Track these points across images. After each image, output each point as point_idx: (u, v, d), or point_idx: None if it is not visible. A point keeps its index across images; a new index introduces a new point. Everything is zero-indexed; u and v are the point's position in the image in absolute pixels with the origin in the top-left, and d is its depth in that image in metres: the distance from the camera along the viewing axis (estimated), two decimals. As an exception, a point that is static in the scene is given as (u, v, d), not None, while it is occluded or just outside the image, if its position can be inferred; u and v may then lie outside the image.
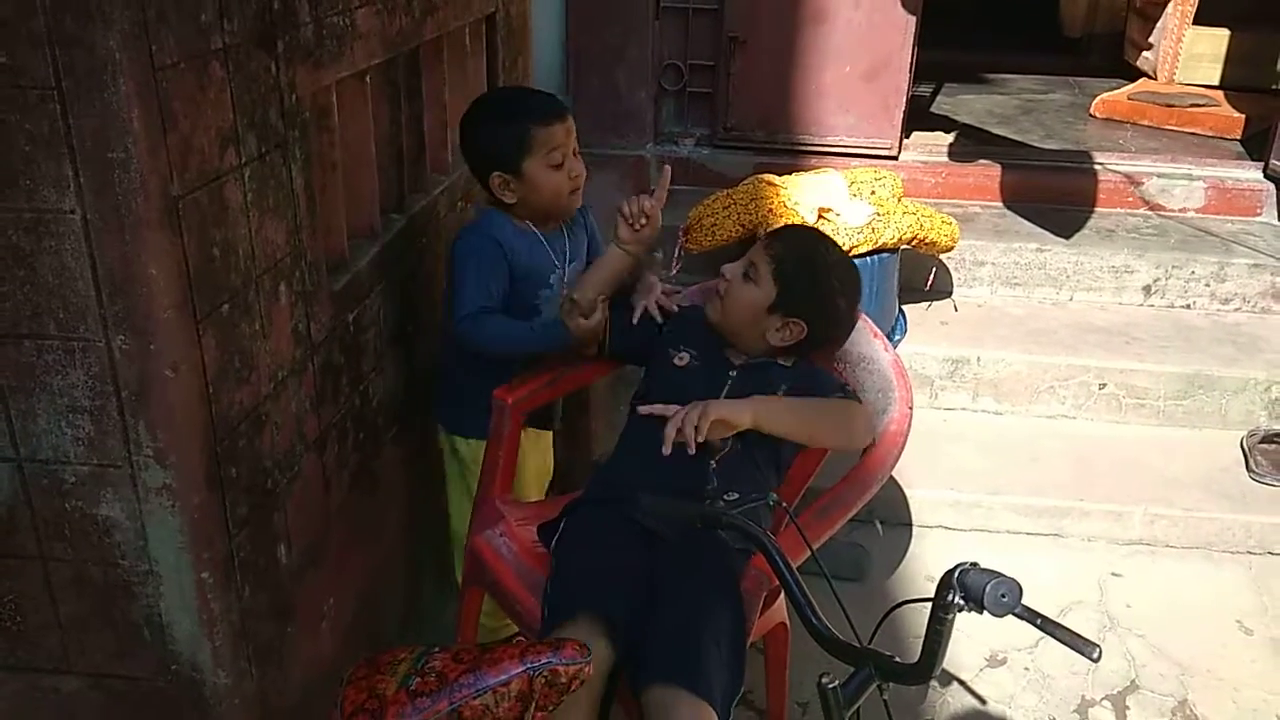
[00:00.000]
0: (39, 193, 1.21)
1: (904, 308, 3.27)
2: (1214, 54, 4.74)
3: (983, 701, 2.27)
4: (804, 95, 3.68)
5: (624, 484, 1.73)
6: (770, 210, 2.91)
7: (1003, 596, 1.13)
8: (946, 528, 2.84)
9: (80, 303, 1.26)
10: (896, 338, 3.17)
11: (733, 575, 1.58)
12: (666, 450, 1.52)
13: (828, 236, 2.08)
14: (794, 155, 3.71)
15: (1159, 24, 4.90)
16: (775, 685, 1.92)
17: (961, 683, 2.30)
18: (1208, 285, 3.43)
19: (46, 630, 1.48)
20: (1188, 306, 3.46)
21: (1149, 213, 3.77)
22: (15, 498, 1.40)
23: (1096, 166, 3.83)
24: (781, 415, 1.66)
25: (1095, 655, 1.16)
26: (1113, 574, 2.69)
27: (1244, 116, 4.28)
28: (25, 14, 1.12)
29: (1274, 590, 2.64)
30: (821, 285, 1.81)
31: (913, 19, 3.54)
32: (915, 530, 2.83)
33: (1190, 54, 4.76)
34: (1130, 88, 4.76)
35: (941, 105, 4.77)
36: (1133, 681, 2.34)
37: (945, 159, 3.88)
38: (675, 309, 1.96)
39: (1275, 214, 3.73)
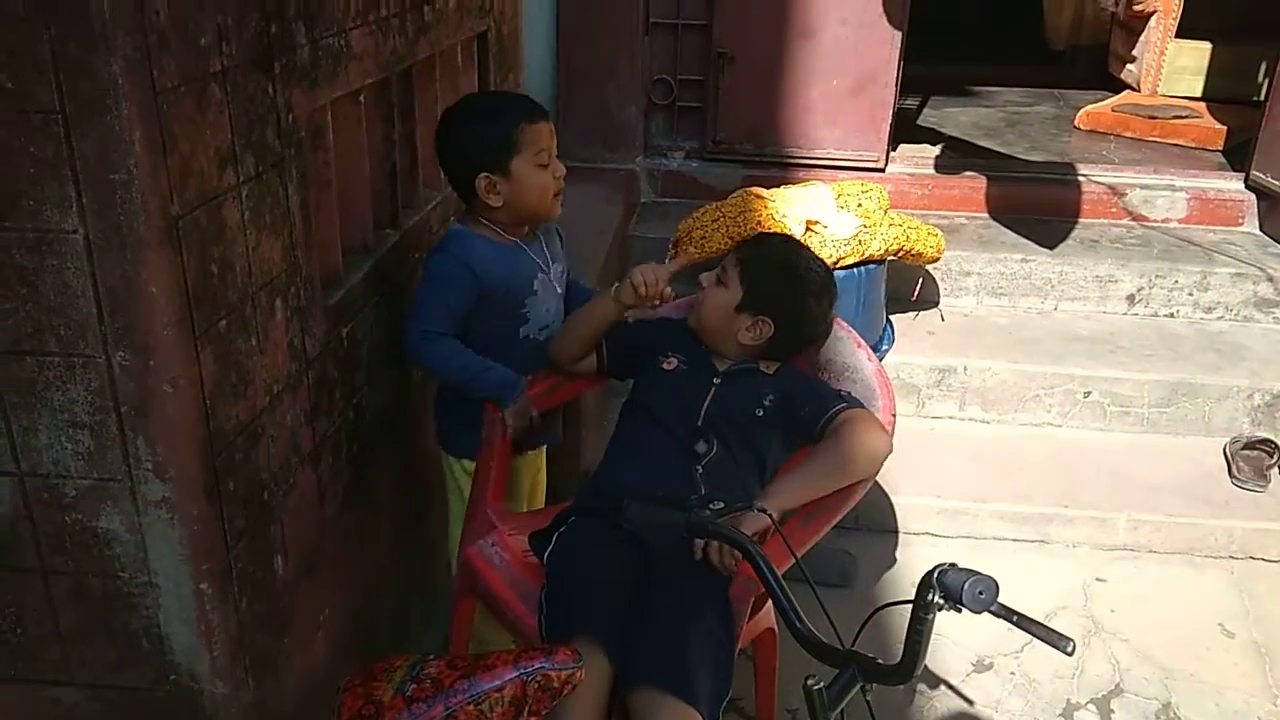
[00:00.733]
0: (42, 213, 1.23)
1: (891, 318, 3.31)
2: (1196, 67, 4.80)
3: (969, 704, 2.30)
4: (792, 109, 3.73)
5: (612, 492, 1.76)
6: (759, 222, 2.95)
7: (980, 594, 1.16)
8: (933, 534, 2.87)
9: (81, 320, 1.29)
10: (884, 347, 3.21)
11: (720, 581, 1.62)
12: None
13: (798, 241, 2.12)
14: (782, 168, 3.76)
15: (1142, 37, 4.96)
16: (764, 691, 1.94)
17: (948, 686, 2.34)
18: (1191, 294, 3.49)
19: (46, 641, 1.50)
20: (1171, 315, 3.51)
21: (1132, 223, 3.82)
22: (16, 511, 1.42)
23: (1080, 178, 3.89)
24: (796, 496, 1.68)
25: (1069, 649, 1.20)
26: (1097, 579, 2.73)
27: (1226, 128, 4.34)
28: (30, 40, 1.15)
29: (1256, 594, 2.69)
30: (786, 284, 1.86)
31: (899, 34, 3.59)
32: (902, 537, 2.86)
33: (1173, 67, 4.83)
34: (1114, 100, 4.82)
35: (928, 118, 4.83)
36: (1117, 685, 2.37)
37: (931, 171, 3.93)
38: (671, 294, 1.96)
39: (1257, 224, 3.79)
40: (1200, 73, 4.80)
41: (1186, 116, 4.54)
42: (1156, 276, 3.48)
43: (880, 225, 3.02)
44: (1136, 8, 4.84)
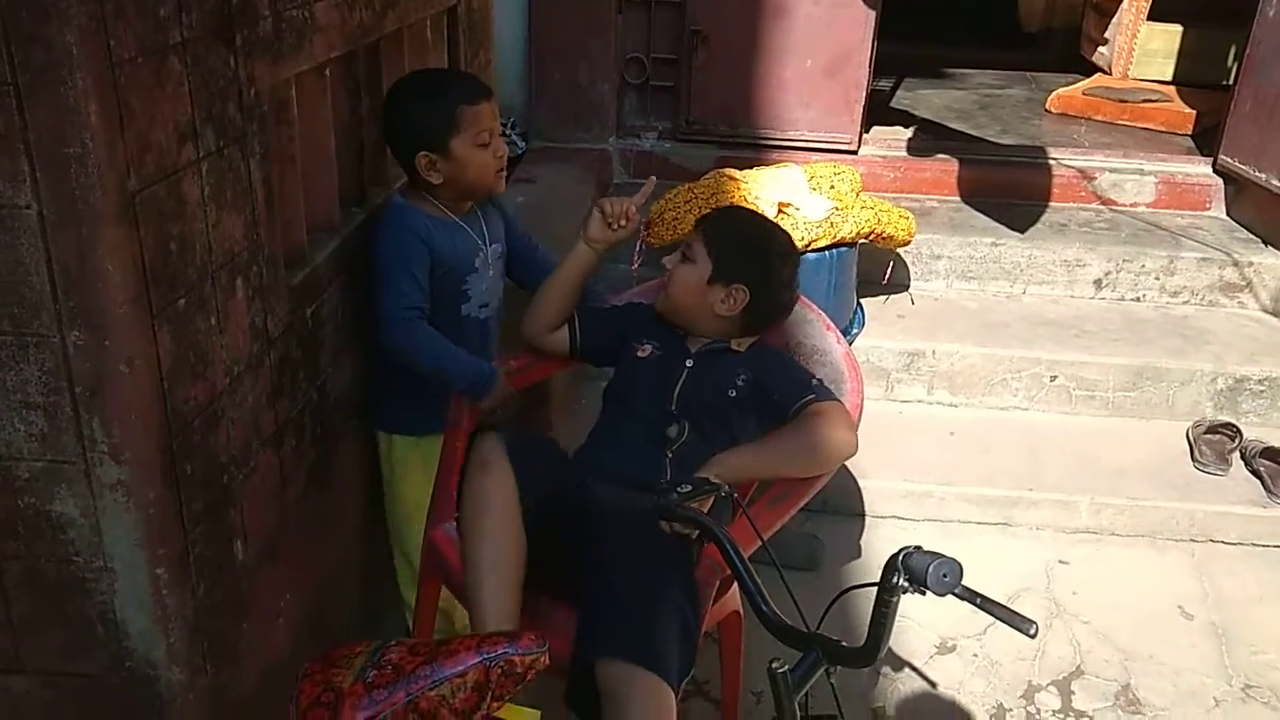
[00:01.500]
0: (-8, 188, 1.20)
1: (862, 301, 3.31)
2: (1167, 50, 4.82)
3: (933, 686, 2.32)
4: (765, 89, 3.71)
5: (584, 472, 1.76)
6: (731, 204, 2.94)
7: (944, 576, 1.17)
8: (899, 518, 2.89)
9: (34, 298, 1.25)
10: (854, 330, 3.21)
11: (685, 563, 1.61)
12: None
13: (757, 212, 2.11)
14: (756, 149, 3.75)
15: (1114, 19, 4.98)
16: (729, 674, 1.95)
17: (912, 668, 2.35)
18: (1157, 279, 3.51)
19: (-2, 628, 1.48)
20: (1137, 300, 3.53)
21: (1101, 207, 3.84)
22: (-33, 494, 1.39)
23: (1051, 161, 3.90)
24: (747, 468, 1.65)
25: (1032, 631, 1.21)
26: (1060, 561, 2.75)
27: (1195, 112, 4.37)
28: (-23, 11, 1.11)
29: (1214, 577, 2.72)
30: (755, 248, 1.86)
31: (873, 14, 3.57)
32: (868, 520, 2.88)
33: (1144, 50, 4.85)
34: (1085, 83, 4.84)
35: (901, 100, 4.82)
36: (1078, 667, 2.40)
37: (904, 154, 3.93)
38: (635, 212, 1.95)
39: (1224, 208, 3.82)
40: (1171, 56, 4.82)
41: (1157, 100, 4.56)
42: (1124, 261, 3.50)
43: (852, 208, 3.01)
44: (1109, -9, 4.85)
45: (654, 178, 2.01)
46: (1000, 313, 3.43)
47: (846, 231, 2.98)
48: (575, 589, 1.59)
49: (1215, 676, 2.39)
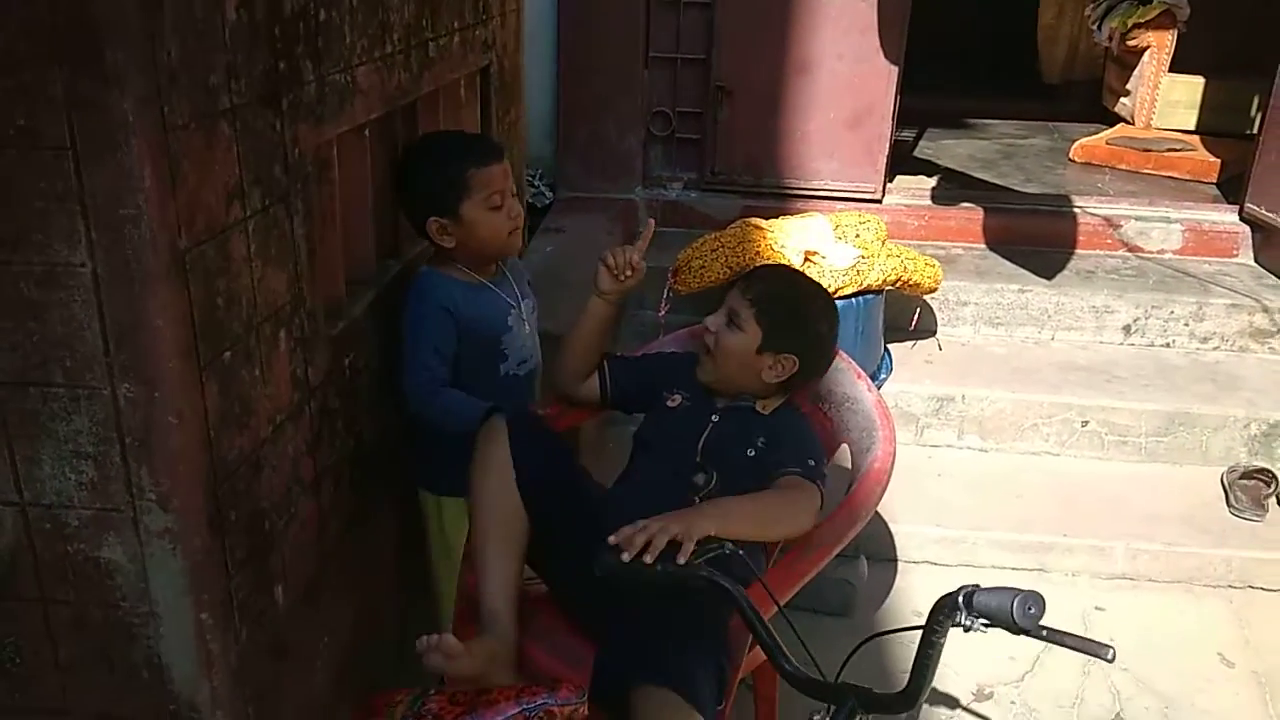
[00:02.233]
0: (51, 247, 1.25)
1: (889, 347, 3.33)
2: (1189, 101, 4.84)
3: (970, 736, 2.30)
4: (789, 141, 3.77)
5: (629, 514, 1.77)
6: (757, 252, 2.98)
7: (1030, 610, 1.15)
8: (932, 563, 2.87)
9: (88, 352, 1.30)
10: (882, 376, 3.22)
11: (719, 607, 1.62)
12: (626, 558, 1.44)
13: (798, 270, 2.13)
14: (780, 199, 3.79)
15: (1136, 72, 5.00)
16: (765, 721, 1.95)
17: (949, 715, 2.33)
18: (1187, 325, 3.51)
19: (46, 672, 1.51)
20: (1167, 345, 3.52)
21: (1128, 254, 3.85)
22: (18, 541, 1.42)
23: (1076, 209, 3.92)
24: (744, 525, 1.60)
25: (1110, 656, 1.18)
26: (1096, 608, 2.73)
27: (1219, 161, 4.38)
28: (42, 79, 1.17)
29: (1254, 623, 2.68)
30: (803, 316, 1.87)
31: (895, 68, 3.63)
32: (901, 565, 2.87)
33: (1166, 100, 4.87)
34: (1108, 133, 4.86)
35: (924, 150, 4.87)
36: (1118, 715, 2.37)
37: (928, 202, 3.96)
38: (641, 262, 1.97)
39: (1251, 255, 3.82)
40: (1194, 106, 4.84)
41: (1180, 149, 4.58)
42: (1152, 307, 3.50)
43: (878, 256, 3.04)
44: (1130, 43, 4.88)
45: (653, 221, 2.02)
46: (1029, 358, 3.43)
47: (873, 279, 3.01)
48: (596, 622, 1.60)
49: (1259, 726, 2.36)
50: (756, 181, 3.84)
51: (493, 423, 1.74)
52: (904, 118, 3.97)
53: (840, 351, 2.01)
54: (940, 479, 3.10)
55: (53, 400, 1.34)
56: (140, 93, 1.18)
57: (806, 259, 2.96)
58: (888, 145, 3.76)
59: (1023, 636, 1.19)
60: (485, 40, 2.50)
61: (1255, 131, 3.91)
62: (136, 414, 1.33)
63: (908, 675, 1.26)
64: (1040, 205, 4.01)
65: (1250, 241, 3.82)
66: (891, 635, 1.66)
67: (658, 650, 1.50)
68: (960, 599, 1.19)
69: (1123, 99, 5.08)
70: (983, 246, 3.85)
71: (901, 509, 2.91)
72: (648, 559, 1.40)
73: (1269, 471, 2.98)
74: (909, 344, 3.45)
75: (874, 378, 3.18)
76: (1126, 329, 3.53)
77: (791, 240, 3.02)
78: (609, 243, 3.51)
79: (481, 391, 2.00)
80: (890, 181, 3.96)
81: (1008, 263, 3.70)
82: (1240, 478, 2.99)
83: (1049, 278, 3.59)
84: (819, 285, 2.00)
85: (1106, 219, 3.88)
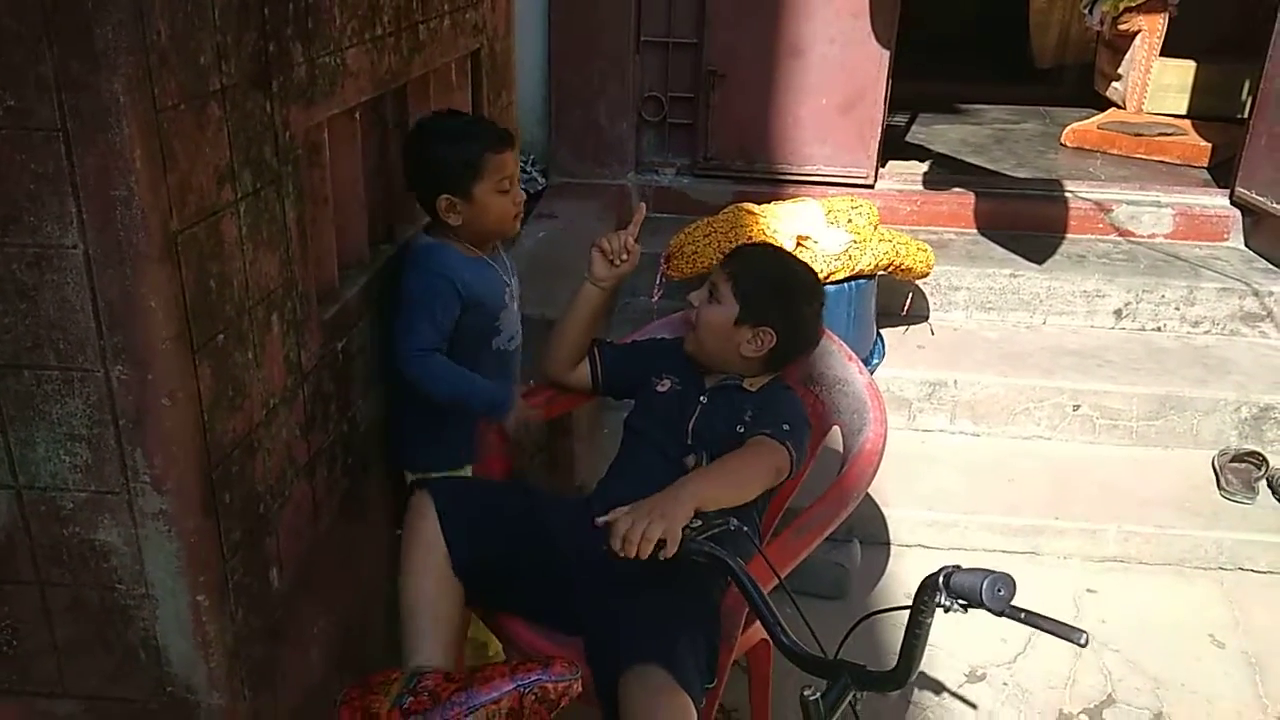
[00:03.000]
0: (42, 229, 1.25)
1: (882, 332, 3.34)
2: (1181, 84, 4.86)
3: (962, 716, 2.31)
4: (782, 126, 3.77)
5: (619, 499, 1.78)
6: (749, 238, 2.98)
7: (999, 591, 1.16)
8: (925, 546, 2.89)
9: (80, 334, 1.30)
10: (875, 361, 3.23)
11: (705, 589, 1.63)
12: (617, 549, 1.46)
13: (783, 249, 2.13)
14: (773, 184, 3.80)
15: (1127, 56, 5.02)
16: (759, 702, 1.96)
17: (941, 697, 2.34)
18: (1177, 309, 3.52)
19: (42, 654, 1.51)
20: (1158, 329, 3.54)
21: (1119, 239, 3.86)
22: (14, 524, 1.43)
23: (1067, 194, 3.93)
24: (720, 491, 1.60)
25: (1083, 640, 1.20)
26: (1088, 590, 2.74)
27: (1211, 145, 4.39)
28: (33, 59, 1.17)
29: (1245, 605, 2.71)
30: (782, 289, 1.88)
31: (886, 53, 3.63)
32: (894, 549, 2.88)
33: (1158, 85, 4.88)
34: (1100, 117, 4.87)
35: (916, 135, 4.87)
36: (1109, 695, 2.39)
37: (920, 187, 3.97)
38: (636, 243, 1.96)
39: (1242, 239, 3.83)
40: (1185, 90, 4.86)
41: (1172, 134, 4.59)
42: (1143, 291, 3.51)
43: (870, 241, 3.05)
44: (1121, 27, 4.90)
45: (644, 205, 2.02)
46: (1021, 343, 3.45)
47: (865, 264, 3.01)
48: (577, 620, 1.61)
49: (1250, 705, 2.37)
50: (749, 167, 3.84)
51: (419, 499, 1.70)
52: (896, 103, 3.98)
53: (830, 334, 2.01)
54: (932, 463, 3.11)
55: (46, 383, 1.34)
56: (130, 73, 1.18)
57: (798, 244, 2.97)
58: (880, 130, 3.76)
59: (1004, 619, 1.20)
60: (476, 23, 2.49)
61: (1246, 115, 3.92)
62: (129, 396, 1.33)
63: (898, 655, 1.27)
64: (1032, 190, 4.02)
65: (1241, 225, 3.83)
66: (884, 617, 1.67)
67: (643, 631, 1.50)
68: (940, 579, 1.20)
69: (1114, 83, 5.10)
70: (974, 231, 3.86)
71: (894, 493, 2.92)
72: (634, 553, 1.41)
73: (1259, 454, 3.00)
74: (901, 329, 3.46)
75: (866, 362, 3.19)
76: (1117, 313, 3.54)
77: (783, 225, 3.02)
78: (601, 229, 3.50)
79: (473, 365, 2.01)
80: (883, 167, 3.97)
81: (999, 248, 3.72)
82: (1231, 460, 3.00)
83: (1040, 262, 3.60)
84: (802, 263, 2.00)
85: (1098, 203, 3.89)
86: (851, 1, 3.57)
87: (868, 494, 2.87)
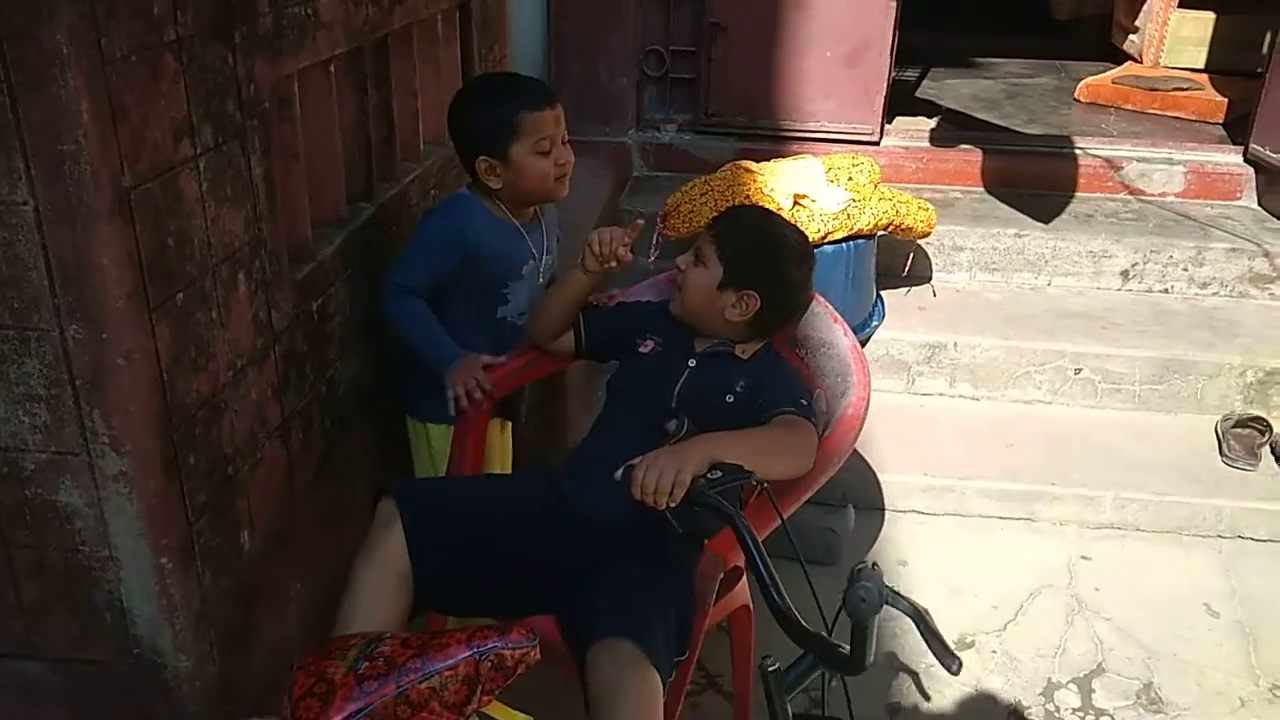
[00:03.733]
0: (-10, 185, 1.22)
1: (882, 293, 3.28)
2: (1199, 37, 4.73)
3: (948, 684, 2.29)
4: (785, 81, 3.69)
5: (581, 468, 1.76)
6: (747, 196, 2.92)
7: (862, 601, 1.16)
8: (919, 512, 2.86)
9: (34, 292, 1.28)
10: (874, 323, 3.18)
11: (680, 558, 1.61)
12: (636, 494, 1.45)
13: (771, 211, 2.08)
14: (776, 141, 3.72)
15: (1145, 7, 4.89)
16: (740, 668, 1.94)
17: (929, 665, 2.33)
18: (1185, 270, 3.45)
19: (10, 615, 1.50)
20: (1165, 291, 3.47)
21: (1128, 197, 3.78)
22: (-24, 485, 1.41)
23: (1077, 151, 3.84)
24: (742, 456, 1.52)
25: (955, 669, 1.21)
26: (1082, 557, 2.71)
27: (1227, 100, 4.28)
28: (-29, 8, 1.13)
29: (1242, 574, 2.67)
30: (767, 253, 1.83)
31: (893, 3, 3.54)
32: (888, 515, 2.85)
33: (1175, 37, 4.76)
34: (1115, 71, 4.76)
35: (927, 90, 4.77)
36: (1099, 664, 2.36)
37: (926, 144, 3.88)
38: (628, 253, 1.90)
39: (1255, 198, 3.74)
40: (1203, 44, 4.73)
41: (1188, 89, 4.47)
42: (1151, 252, 3.44)
43: (869, 199, 2.99)
44: (1140, -23, 4.77)
45: (641, 220, 1.95)
46: (1024, 305, 3.39)
47: (864, 223, 2.95)
48: (551, 600, 1.60)
49: (1242, 676, 2.34)
50: (751, 123, 3.76)
51: (385, 508, 1.63)
52: (907, 56, 3.89)
53: (818, 296, 1.96)
54: (930, 428, 3.07)
55: (3, 342, 1.32)
56: (73, 22, 1.14)
57: (796, 202, 2.90)
58: (886, 85, 3.67)
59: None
60: (464, -26, 2.43)
61: (1265, 70, 3.81)
62: (85, 356, 1.31)
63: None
64: (1041, 147, 3.93)
65: (1254, 184, 3.74)
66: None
67: (614, 605, 1.48)
68: (850, 580, 1.20)
69: (1131, 36, 4.98)
70: (981, 190, 3.78)
71: (890, 458, 2.89)
72: (660, 503, 1.40)
73: (1263, 420, 2.94)
74: (903, 290, 3.40)
75: (866, 324, 3.14)
76: (1124, 274, 3.47)
77: (781, 184, 2.96)
78: (599, 186, 3.46)
79: (476, 330, 2.00)
80: (889, 123, 3.88)
81: (1006, 207, 3.64)
82: (1234, 426, 2.95)
83: (1047, 222, 3.52)
84: (791, 226, 1.95)
85: (1108, 161, 3.80)
86: (858, -50, 3.48)
87: (862, 458, 2.86)
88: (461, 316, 2.00)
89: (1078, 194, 3.75)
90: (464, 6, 2.51)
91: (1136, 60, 4.95)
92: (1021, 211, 3.58)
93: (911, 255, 3.35)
